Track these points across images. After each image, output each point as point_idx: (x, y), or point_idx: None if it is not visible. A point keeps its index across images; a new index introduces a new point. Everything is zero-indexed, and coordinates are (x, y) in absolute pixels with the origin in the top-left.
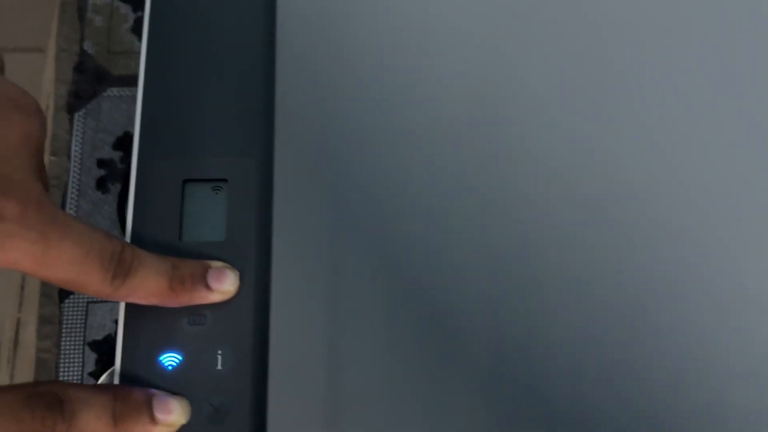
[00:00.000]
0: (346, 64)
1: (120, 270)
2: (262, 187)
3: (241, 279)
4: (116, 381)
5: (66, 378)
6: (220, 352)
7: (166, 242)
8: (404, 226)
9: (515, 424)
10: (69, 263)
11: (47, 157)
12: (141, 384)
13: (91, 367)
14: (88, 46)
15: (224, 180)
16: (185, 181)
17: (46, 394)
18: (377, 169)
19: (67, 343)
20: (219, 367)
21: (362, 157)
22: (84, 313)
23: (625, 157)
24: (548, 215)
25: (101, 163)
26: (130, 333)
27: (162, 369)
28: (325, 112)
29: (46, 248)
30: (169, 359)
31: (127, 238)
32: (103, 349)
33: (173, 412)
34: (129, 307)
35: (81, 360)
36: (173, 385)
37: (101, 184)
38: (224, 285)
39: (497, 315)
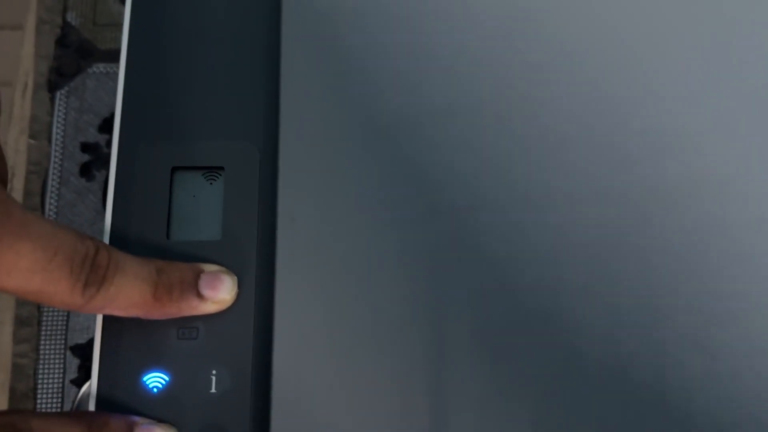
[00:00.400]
0: (360, 35)
1: (93, 277)
2: (264, 176)
3: (240, 285)
4: (92, 406)
5: (45, 385)
6: (214, 372)
7: (152, 241)
8: (429, 220)
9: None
10: (29, 270)
11: (26, 140)
12: (121, 409)
13: (73, 373)
14: (71, 18)
15: (220, 168)
16: (174, 169)
17: (2, 427)
18: (397, 155)
19: (47, 347)
20: (213, 389)
21: (380, 141)
22: (65, 313)
23: (704, 142)
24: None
25: (85, 147)
26: (108, 348)
27: (146, 391)
28: (337, 89)
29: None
30: (155, 380)
31: (106, 237)
32: (87, 354)
33: None
34: (107, 318)
35: (62, 366)
36: (159, 410)
37: (85, 171)
38: (219, 293)
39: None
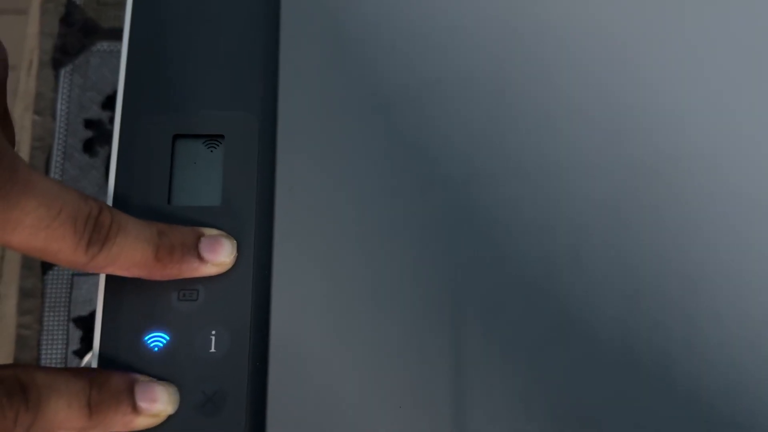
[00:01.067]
0: (359, 7)
1: (97, 236)
2: (263, 144)
3: (239, 249)
4: (95, 364)
5: (49, 356)
6: (213, 332)
7: (154, 206)
8: (425, 190)
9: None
10: (34, 227)
11: (31, 117)
12: (123, 368)
13: (75, 344)
14: None
15: (220, 136)
16: (176, 137)
17: (6, 379)
18: (394, 126)
19: (50, 318)
20: (212, 349)
21: (377, 112)
22: (68, 286)
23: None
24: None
25: (89, 123)
26: (110, 309)
27: (147, 351)
28: (335, 61)
29: (5, 208)
30: (155, 340)
31: (109, 202)
32: (89, 326)
33: (158, 401)
34: (109, 279)
35: (65, 337)
36: (159, 369)
37: (89, 147)
38: (219, 256)
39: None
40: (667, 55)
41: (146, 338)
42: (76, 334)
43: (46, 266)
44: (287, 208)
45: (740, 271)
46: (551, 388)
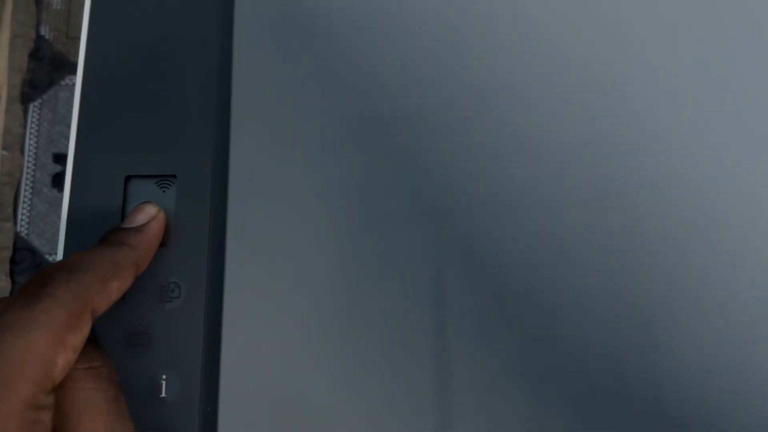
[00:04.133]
0: (310, 52)
1: None
2: (216, 184)
3: (190, 292)
4: None
5: None
6: (164, 377)
7: None
8: (373, 230)
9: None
10: None
11: None
12: None
13: None
14: (45, 31)
15: (173, 176)
16: (128, 178)
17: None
18: (344, 166)
19: None
20: (163, 394)
21: (329, 152)
22: None
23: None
24: (549, 215)
25: (58, 158)
26: None
27: None
28: (286, 104)
29: None
30: None
31: (61, 242)
32: None
33: None
34: None
35: None
36: None
37: (57, 181)
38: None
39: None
40: (619, 91)
41: None
42: None
43: None
44: (238, 252)
45: (691, 292)
46: (538, 413)
